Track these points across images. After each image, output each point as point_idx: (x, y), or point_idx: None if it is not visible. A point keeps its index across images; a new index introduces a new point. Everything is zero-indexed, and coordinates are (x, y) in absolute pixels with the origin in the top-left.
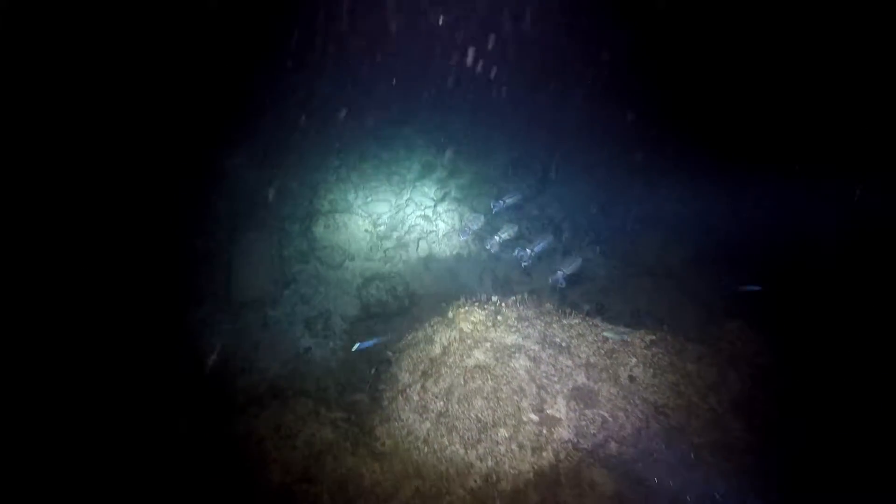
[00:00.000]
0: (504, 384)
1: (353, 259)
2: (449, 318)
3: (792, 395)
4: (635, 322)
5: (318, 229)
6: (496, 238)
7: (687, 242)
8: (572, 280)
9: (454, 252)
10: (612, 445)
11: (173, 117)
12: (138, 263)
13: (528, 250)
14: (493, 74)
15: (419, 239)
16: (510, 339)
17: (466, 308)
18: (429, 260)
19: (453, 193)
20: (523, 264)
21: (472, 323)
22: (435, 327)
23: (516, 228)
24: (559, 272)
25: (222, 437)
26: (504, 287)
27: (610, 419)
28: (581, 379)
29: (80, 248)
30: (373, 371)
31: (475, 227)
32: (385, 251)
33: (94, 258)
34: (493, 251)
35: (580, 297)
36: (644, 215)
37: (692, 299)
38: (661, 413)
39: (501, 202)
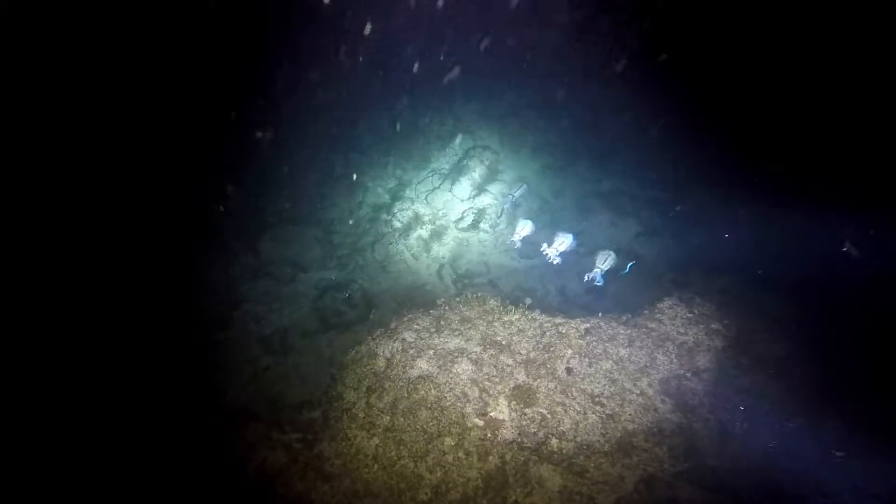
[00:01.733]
0: (447, 391)
1: (305, 271)
2: (391, 329)
3: (720, 368)
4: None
5: (266, 244)
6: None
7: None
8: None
9: (411, 252)
10: (554, 441)
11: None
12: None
13: (596, 271)
14: None
15: (374, 242)
16: (453, 343)
17: (409, 316)
18: (386, 262)
19: (407, 192)
20: (596, 283)
21: (415, 331)
22: (377, 340)
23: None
24: (596, 270)
25: (175, 469)
26: (464, 280)
27: (549, 416)
28: (521, 377)
29: None
30: (327, 383)
31: (526, 234)
32: (339, 258)
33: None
34: (515, 247)
35: (517, 290)
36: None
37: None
38: (597, 403)
39: (511, 196)
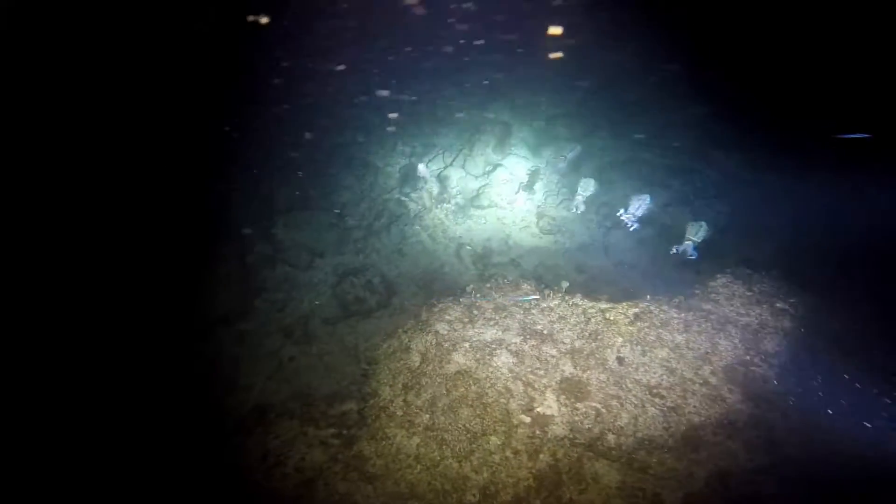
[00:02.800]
0: (489, 387)
1: (322, 256)
2: (423, 321)
3: (788, 352)
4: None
5: (279, 230)
6: (579, 197)
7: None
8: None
9: (428, 233)
10: (611, 437)
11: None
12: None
13: (688, 243)
14: None
15: (390, 224)
16: (489, 334)
17: (440, 306)
18: (403, 244)
19: (419, 170)
20: (689, 257)
21: (448, 322)
22: (410, 333)
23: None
24: (687, 242)
25: (209, 469)
26: (484, 260)
27: (603, 410)
28: (568, 369)
29: None
30: (360, 374)
31: (590, 193)
32: (355, 242)
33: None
34: (577, 211)
35: (540, 268)
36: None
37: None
38: (655, 395)
39: (564, 157)
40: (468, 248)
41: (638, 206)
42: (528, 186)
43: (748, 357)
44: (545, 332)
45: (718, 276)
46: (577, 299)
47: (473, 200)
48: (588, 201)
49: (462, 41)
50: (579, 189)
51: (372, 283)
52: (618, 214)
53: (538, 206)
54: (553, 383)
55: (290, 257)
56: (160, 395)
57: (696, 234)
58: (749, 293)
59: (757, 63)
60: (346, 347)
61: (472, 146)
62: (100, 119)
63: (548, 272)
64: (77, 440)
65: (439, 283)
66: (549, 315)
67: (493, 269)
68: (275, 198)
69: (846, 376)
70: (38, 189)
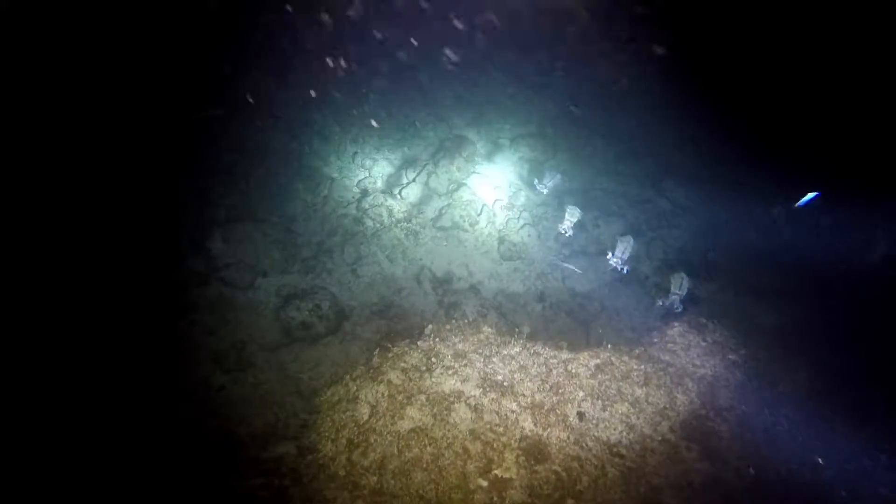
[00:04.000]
0: (445, 447)
1: (265, 275)
2: (375, 367)
3: (742, 404)
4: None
5: (216, 244)
6: (567, 223)
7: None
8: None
9: (386, 253)
10: (570, 502)
11: None
12: None
13: (674, 297)
14: None
15: (344, 242)
16: (448, 385)
17: (395, 351)
18: (357, 265)
19: (378, 186)
20: (676, 310)
21: (403, 370)
22: (359, 381)
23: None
24: (674, 296)
25: None
26: (444, 285)
27: (564, 473)
28: (528, 426)
29: None
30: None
31: (575, 220)
32: (304, 261)
33: None
34: (567, 235)
35: (511, 302)
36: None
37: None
38: (615, 455)
39: (543, 184)
40: (427, 271)
41: (624, 249)
42: (491, 209)
43: (704, 412)
44: (506, 383)
45: (675, 324)
46: (539, 347)
47: (435, 220)
48: (574, 227)
49: (428, 54)
50: (567, 215)
51: (320, 306)
52: (606, 258)
53: (499, 231)
54: (513, 442)
55: (227, 275)
56: (66, 426)
57: (679, 287)
58: (704, 343)
59: (721, 90)
60: (287, 377)
61: (437, 163)
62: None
63: (508, 301)
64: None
65: (395, 310)
66: (509, 364)
67: (453, 296)
68: (212, 206)
69: (799, 427)
70: None
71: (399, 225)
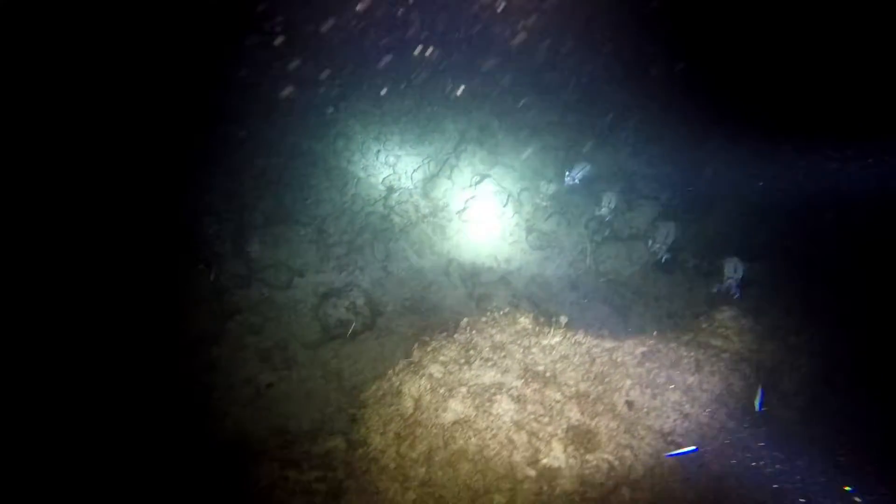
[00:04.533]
0: (490, 438)
1: (302, 275)
2: (415, 362)
3: (806, 389)
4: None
5: (255, 247)
6: (604, 209)
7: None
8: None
9: (414, 249)
10: (625, 491)
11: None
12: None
13: (730, 281)
14: None
15: (373, 239)
16: (488, 377)
17: (434, 344)
18: (387, 261)
19: (403, 182)
20: (733, 295)
21: (442, 364)
22: (401, 375)
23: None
24: (729, 281)
25: None
26: (473, 278)
27: (616, 462)
28: (574, 414)
29: None
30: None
31: (612, 206)
32: (337, 259)
33: None
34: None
35: (544, 292)
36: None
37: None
38: (670, 443)
39: (572, 176)
40: (456, 264)
41: (666, 234)
42: (517, 199)
43: (766, 398)
44: (547, 373)
45: (724, 308)
46: (580, 336)
47: (461, 214)
48: (613, 213)
49: (445, 47)
50: (603, 202)
51: (356, 304)
52: (647, 245)
53: (527, 220)
54: (559, 432)
55: (267, 276)
56: (126, 426)
57: (734, 270)
58: (759, 327)
59: (748, 67)
60: (329, 373)
61: (459, 156)
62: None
63: (540, 290)
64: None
65: (427, 304)
66: (550, 354)
67: (483, 288)
68: (249, 212)
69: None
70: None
71: (426, 220)
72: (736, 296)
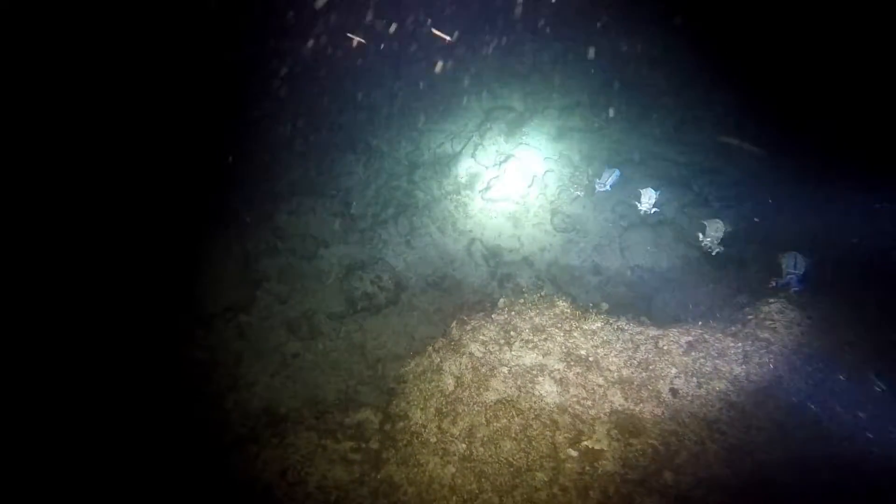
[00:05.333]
0: (533, 418)
1: (327, 246)
2: (455, 340)
3: (861, 386)
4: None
5: (282, 216)
6: (644, 206)
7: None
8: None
9: (437, 225)
10: (667, 475)
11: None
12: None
13: (790, 276)
14: None
15: (398, 214)
16: (529, 358)
17: (473, 323)
18: (411, 236)
19: (426, 158)
20: (794, 290)
21: (482, 343)
22: (441, 353)
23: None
24: (790, 275)
25: (222, 481)
26: (496, 257)
27: (661, 447)
28: (618, 399)
29: None
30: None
31: (652, 202)
32: (361, 232)
33: None
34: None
35: (591, 291)
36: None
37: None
38: (715, 431)
39: (603, 183)
40: (479, 243)
41: (716, 229)
42: (542, 180)
43: (815, 392)
44: (590, 358)
45: (771, 300)
46: (623, 323)
47: (484, 193)
48: (651, 207)
49: (471, 21)
50: (643, 199)
51: (381, 277)
52: (699, 240)
53: (552, 202)
54: (602, 415)
55: (293, 245)
56: (162, 392)
57: (794, 266)
58: (808, 320)
59: (780, 55)
60: (353, 345)
61: (483, 134)
62: (95, 108)
63: (562, 272)
64: (69, 447)
65: (449, 281)
66: (591, 339)
67: (506, 268)
68: (276, 182)
69: None
70: (34, 180)
71: (449, 197)
72: (797, 290)
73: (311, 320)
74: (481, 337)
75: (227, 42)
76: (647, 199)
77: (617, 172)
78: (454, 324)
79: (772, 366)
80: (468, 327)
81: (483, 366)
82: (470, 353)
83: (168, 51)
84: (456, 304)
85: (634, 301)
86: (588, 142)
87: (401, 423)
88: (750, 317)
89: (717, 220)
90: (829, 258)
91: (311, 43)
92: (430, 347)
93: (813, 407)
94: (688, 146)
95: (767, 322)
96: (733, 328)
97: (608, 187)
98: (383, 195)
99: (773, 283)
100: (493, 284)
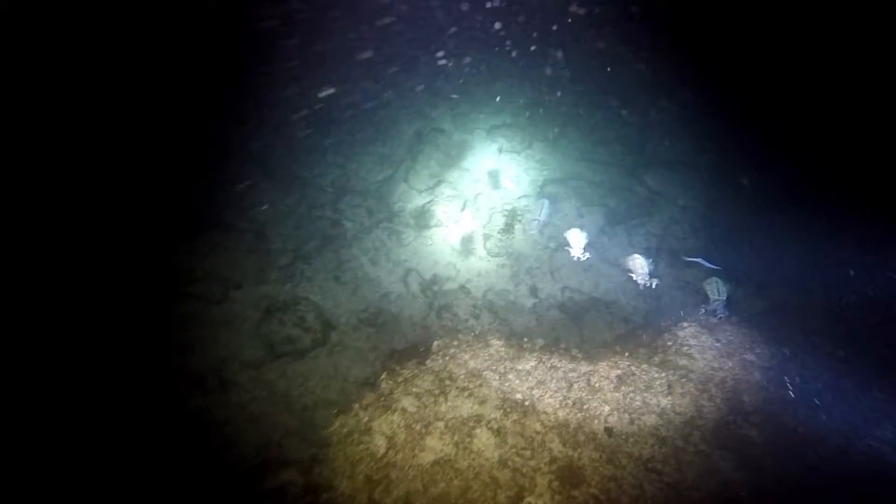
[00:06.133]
0: (473, 478)
1: (239, 287)
2: (385, 394)
3: (772, 406)
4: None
5: (183, 255)
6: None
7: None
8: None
9: (368, 256)
10: None
11: None
12: None
13: (716, 302)
14: None
15: (322, 247)
16: (465, 408)
17: (405, 374)
18: (339, 270)
19: (354, 184)
20: (720, 316)
21: (416, 396)
22: (370, 411)
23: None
24: (716, 302)
25: None
26: (433, 286)
27: (602, 496)
28: (556, 446)
29: None
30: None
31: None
32: (281, 269)
33: None
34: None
35: (526, 315)
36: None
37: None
38: (651, 471)
39: (537, 221)
40: (415, 273)
41: (641, 266)
42: (474, 203)
43: (731, 417)
44: (526, 402)
45: (685, 324)
46: (555, 360)
47: (418, 219)
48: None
49: (399, 40)
50: (573, 243)
51: (305, 318)
52: (631, 276)
53: (484, 226)
54: (543, 466)
55: (197, 289)
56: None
57: (718, 292)
58: (717, 344)
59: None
60: (275, 394)
61: (415, 157)
62: None
63: (498, 298)
64: None
65: (385, 316)
66: (526, 380)
67: (443, 298)
68: (175, 214)
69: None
70: None
71: (380, 225)
72: (723, 316)
73: (219, 372)
74: (415, 389)
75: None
76: (578, 243)
77: (546, 202)
78: (384, 375)
79: (693, 394)
80: (400, 379)
81: (417, 422)
82: (402, 409)
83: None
84: (392, 339)
85: (567, 324)
86: (515, 163)
87: (325, 496)
88: (670, 343)
89: (636, 257)
90: (749, 282)
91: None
92: (358, 405)
93: (728, 432)
94: (604, 166)
95: (684, 348)
96: (656, 358)
97: (541, 219)
98: (305, 227)
99: (703, 310)
100: (432, 316)
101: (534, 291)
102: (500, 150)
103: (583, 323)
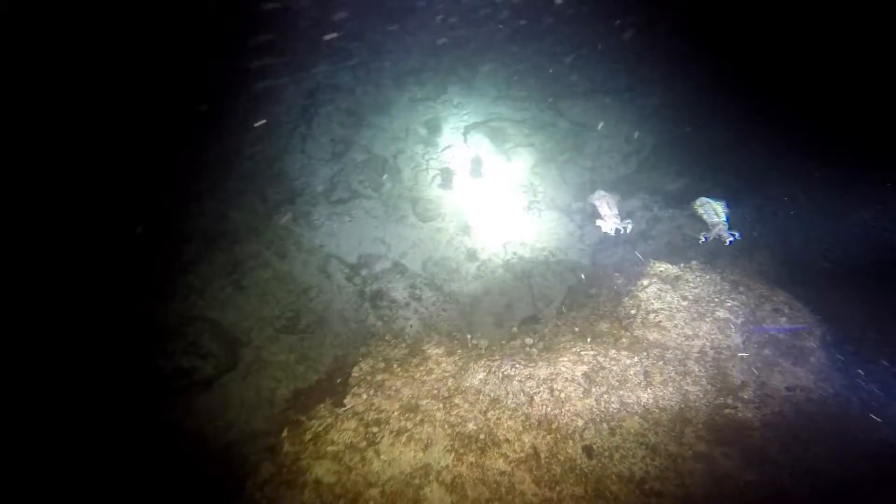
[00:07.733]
0: None
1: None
2: (288, 465)
3: (760, 372)
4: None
5: None
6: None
7: None
8: None
9: (273, 249)
10: None
11: None
12: None
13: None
14: None
15: (207, 250)
16: (406, 460)
17: (315, 428)
18: (238, 274)
19: (235, 163)
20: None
21: (334, 458)
22: (266, 490)
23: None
24: (716, 226)
25: None
26: (361, 271)
27: None
28: (529, 488)
29: None
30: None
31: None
32: (156, 286)
33: None
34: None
35: (471, 281)
36: None
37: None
38: (649, 494)
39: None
40: (335, 259)
41: (609, 205)
42: (394, 164)
43: (721, 400)
44: (481, 433)
45: (644, 282)
46: (507, 368)
47: (328, 194)
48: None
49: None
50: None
51: (197, 343)
52: (598, 226)
53: (410, 189)
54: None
55: None
56: None
57: (716, 213)
58: (685, 303)
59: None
60: (188, 436)
61: (310, 121)
62: None
63: (438, 268)
64: None
65: (308, 317)
66: (477, 403)
67: (375, 283)
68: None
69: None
70: None
71: (280, 209)
72: (732, 240)
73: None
74: (330, 448)
75: None
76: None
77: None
78: (284, 434)
79: (674, 379)
80: (307, 436)
81: (339, 498)
82: (316, 482)
83: None
84: (323, 344)
85: (517, 286)
86: (433, 111)
87: None
88: (633, 311)
89: (601, 193)
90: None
91: None
92: (252, 481)
93: (723, 421)
94: (522, 102)
95: (651, 315)
96: (624, 338)
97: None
98: (182, 227)
99: (703, 239)
100: (366, 307)
101: (473, 254)
102: (411, 100)
103: (532, 282)
